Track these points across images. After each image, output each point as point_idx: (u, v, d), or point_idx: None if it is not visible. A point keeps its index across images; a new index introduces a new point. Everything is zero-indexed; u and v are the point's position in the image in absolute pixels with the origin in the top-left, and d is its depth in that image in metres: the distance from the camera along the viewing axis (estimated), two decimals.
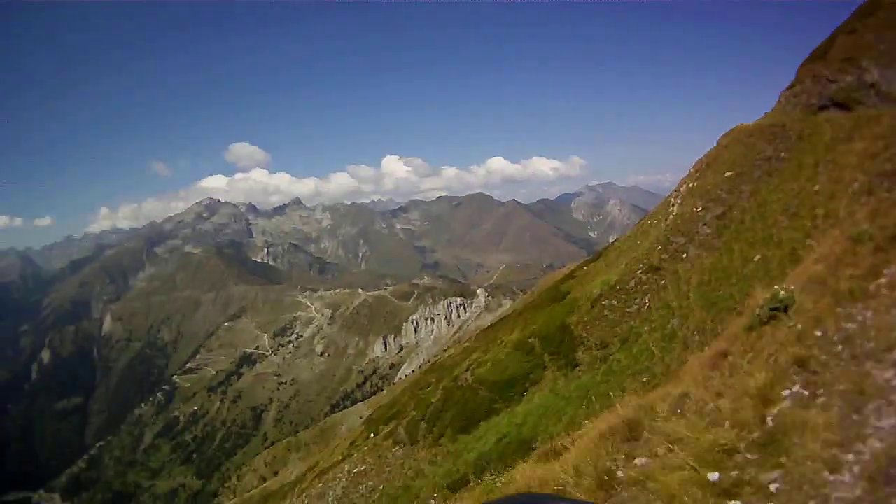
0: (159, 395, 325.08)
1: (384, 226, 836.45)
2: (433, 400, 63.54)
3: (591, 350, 50.94)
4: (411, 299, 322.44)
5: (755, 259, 43.80)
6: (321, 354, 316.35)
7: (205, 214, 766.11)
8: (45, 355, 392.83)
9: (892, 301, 9.30)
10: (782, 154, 53.77)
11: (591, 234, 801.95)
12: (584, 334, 53.36)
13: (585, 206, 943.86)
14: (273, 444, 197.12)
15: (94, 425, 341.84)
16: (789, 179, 49.27)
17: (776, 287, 11.30)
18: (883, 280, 10.20)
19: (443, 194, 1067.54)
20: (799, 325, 9.71)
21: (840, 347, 8.61)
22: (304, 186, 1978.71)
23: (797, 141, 53.66)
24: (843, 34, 62.81)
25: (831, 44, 63.12)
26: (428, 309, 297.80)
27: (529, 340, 58.78)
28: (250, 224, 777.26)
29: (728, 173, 56.46)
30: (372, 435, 71.27)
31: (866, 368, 7.78)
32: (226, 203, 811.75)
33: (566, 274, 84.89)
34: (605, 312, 53.74)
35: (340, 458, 73.57)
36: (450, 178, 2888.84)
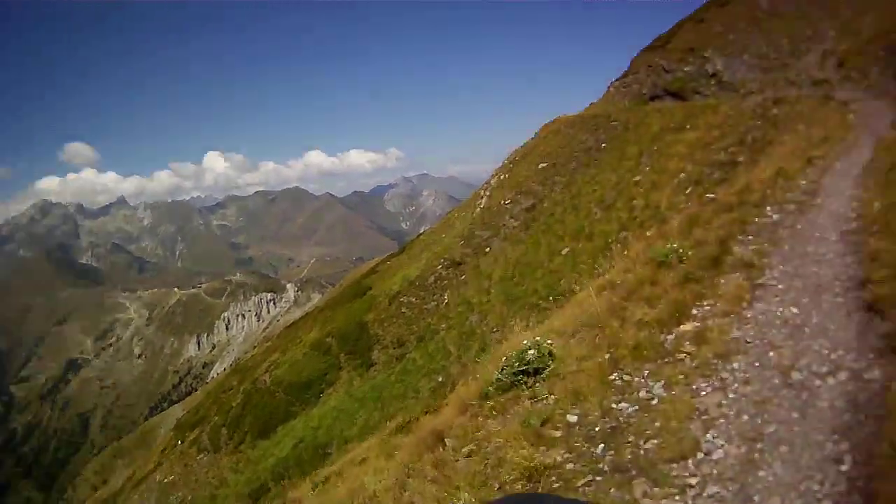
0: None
1: (201, 223, 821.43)
2: (234, 404, 60.92)
3: (387, 349, 49.02)
4: (224, 296, 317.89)
5: (563, 252, 41.52)
6: (139, 356, 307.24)
7: (37, 217, 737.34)
8: None
9: (694, 366, 7.98)
10: (604, 145, 52.16)
11: (404, 226, 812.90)
12: (381, 333, 51.41)
13: (399, 197, 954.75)
14: (100, 451, 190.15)
15: None
16: (608, 170, 47.41)
17: (531, 337, 9.52)
18: (687, 328, 9.04)
19: (260, 189, 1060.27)
20: (549, 400, 8.04)
21: (600, 449, 6.83)
22: (129, 185, 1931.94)
23: (622, 131, 52.08)
24: (689, 23, 62.56)
25: (674, 34, 62.53)
26: (239, 305, 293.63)
27: (327, 340, 56.74)
28: (78, 225, 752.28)
29: (542, 164, 54.82)
30: (179, 442, 66.43)
31: (635, 495, 5.95)
32: (57, 204, 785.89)
33: (370, 269, 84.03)
34: (403, 309, 51.75)
35: (152, 466, 68.42)
36: (268, 173, 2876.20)
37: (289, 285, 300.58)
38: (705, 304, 9.76)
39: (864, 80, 43.59)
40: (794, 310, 9.07)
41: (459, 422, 8.00)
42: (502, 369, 8.54)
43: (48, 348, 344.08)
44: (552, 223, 46.00)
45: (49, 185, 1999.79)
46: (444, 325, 45.41)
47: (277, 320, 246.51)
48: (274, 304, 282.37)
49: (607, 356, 8.22)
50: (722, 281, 10.54)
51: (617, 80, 64.41)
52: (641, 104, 56.33)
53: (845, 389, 6.76)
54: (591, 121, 56.93)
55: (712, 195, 20.45)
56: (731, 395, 7.08)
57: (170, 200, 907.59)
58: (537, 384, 8.09)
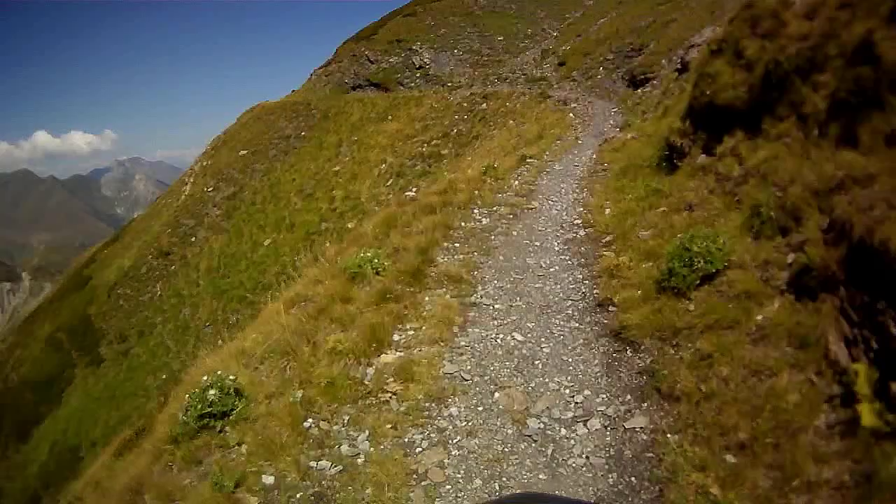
0: None
1: None
2: None
3: (112, 344, 48.54)
4: None
5: (266, 243, 42.54)
6: None
7: None
8: None
9: (403, 411, 6.78)
10: (303, 133, 52.53)
11: (118, 211, 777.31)
12: (105, 326, 50.81)
13: (114, 181, 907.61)
14: None
15: None
16: (307, 159, 48.14)
17: (215, 366, 8.28)
18: (389, 358, 7.74)
19: None
20: (242, 452, 6.53)
21: None
22: None
23: (322, 120, 52.34)
24: (399, 16, 62.64)
25: (382, 24, 62.43)
26: None
27: (58, 335, 55.28)
28: None
29: (243, 152, 54.79)
30: None
31: None
32: None
33: (89, 258, 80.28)
34: (122, 302, 51.37)
35: None
36: (0, 155, 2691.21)
37: (24, 274, 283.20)
38: (409, 327, 8.43)
39: (587, 81, 44.04)
40: (519, 337, 7.93)
41: (156, 478, 6.14)
42: (186, 410, 6.97)
43: None
44: (253, 212, 47.00)
45: None
46: (160, 319, 45.58)
47: (18, 311, 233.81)
48: (13, 294, 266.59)
49: (300, 394, 6.94)
50: (426, 299, 9.24)
51: (320, 67, 64.38)
52: (343, 93, 56.79)
53: (603, 442, 5.82)
54: (291, 108, 57.59)
55: (412, 193, 18.71)
56: (454, 452, 5.99)
57: None
58: (227, 427, 6.75)
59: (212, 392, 6.85)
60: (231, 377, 7.17)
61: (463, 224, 13.24)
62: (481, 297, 9.43)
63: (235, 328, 24.68)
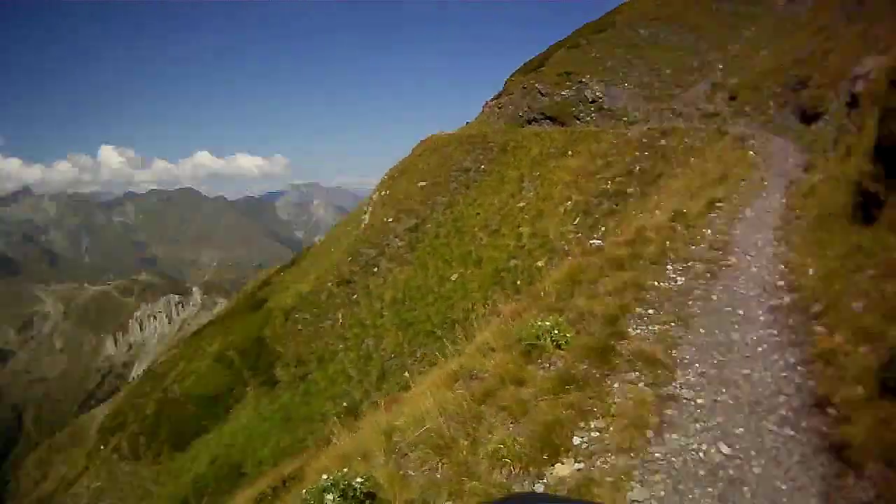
0: None
1: (103, 218, 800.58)
2: (148, 412, 59.84)
3: (289, 367, 48.71)
4: (133, 296, 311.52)
5: (453, 278, 41.51)
6: (61, 351, 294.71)
7: None
8: None
9: None
10: (482, 167, 51.56)
11: (298, 234, 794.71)
12: (281, 349, 51.05)
13: (290, 205, 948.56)
14: (37, 445, 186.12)
15: None
16: (489, 193, 47.04)
17: (351, 450, 7.92)
18: (566, 471, 5.99)
19: (154, 187, 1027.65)
20: None
21: None
22: (32, 173, 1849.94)
23: (500, 153, 51.43)
24: (564, 48, 61.12)
25: (548, 56, 61.08)
26: (150, 306, 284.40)
27: (228, 353, 56.31)
28: None
29: (422, 183, 53.85)
30: (102, 447, 65.46)
31: None
32: None
33: (263, 280, 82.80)
34: (300, 326, 51.37)
35: (80, 470, 68.12)
36: (160, 171, 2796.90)
37: (195, 289, 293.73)
38: (592, 426, 6.54)
39: (759, 115, 41.92)
40: (725, 449, 5.95)
41: None
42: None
43: None
44: (438, 246, 45.81)
45: None
46: (341, 346, 45.23)
47: (188, 324, 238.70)
48: (182, 306, 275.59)
49: None
50: (615, 387, 7.25)
51: (492, 99, 63.36)
52: (518, 126, 55.87)
53: None
54: (467, 141, 56.72)
55: (598, 240, 16.98)
56: None
57: (70, 192, 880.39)
58: None
59: (329, 497, 5.85)
60: (360, 479, 6.07)
61: (656, 283, 11.24)
62: (681, 386, 7.30)
63: (421, 363, 23.91)
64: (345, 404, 37.40)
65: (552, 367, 8.05)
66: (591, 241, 16.84)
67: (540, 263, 33.36)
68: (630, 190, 36.19)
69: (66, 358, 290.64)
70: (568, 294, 11.10)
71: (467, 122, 65.83)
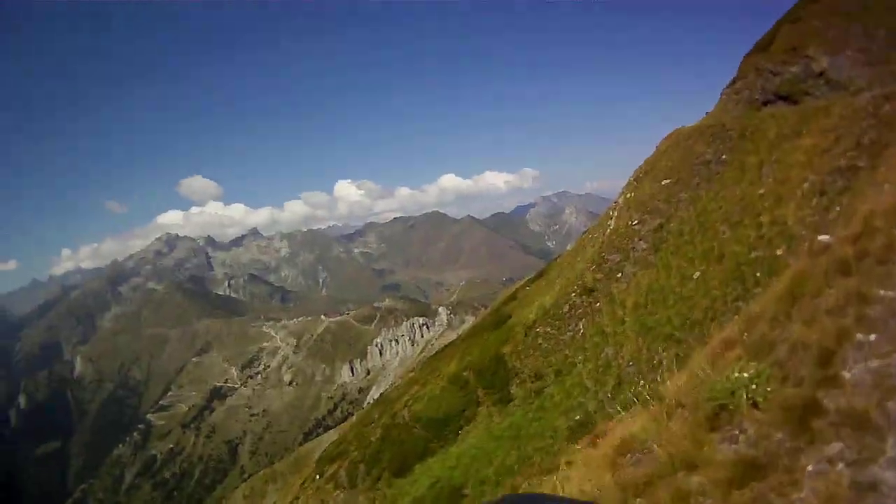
0: (135, 434, 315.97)
1: (342, 251, 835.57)
2: (373, 439, 59.35)
3: (525, 383, 47.20)
4: (374, 323, 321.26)
5: (694, 277, 39.79)
6: (290, 383, 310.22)
7: (164, 250, 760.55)
8: (22, 401, 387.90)
9: None
10: (723, 156, 50.00)
11: (549, 244, 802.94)
12: (519, 365, 49.50)
13: (541, 216, 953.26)
14: (251, 476, 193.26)
15: (74, 468, 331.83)
16: (731, 184, 45.27)
17: None
18: None
19: (397, 215, 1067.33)
20: None
21: None
22: (259, 216, 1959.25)
23: (739, 140, 49.88)
24: (786, 23, 59.62)
25: (774, 34, 59.77)
26: (391, 331, 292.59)
27: (464, 374, 54.93)
28: (210, 257, 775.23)
29: (665, 181, 52.57)
30: (317, 476, 66.07)
31: None
32: (184, 238, 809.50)
33: (510, 294, 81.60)
34: (540, 341, 49.93)
35: (290, 500, 69.55)
36: (403, 199, 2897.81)
37: (440, 309, 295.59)
38: None
39: None
40: None
41: None
42: None
43: (188, 378, 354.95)
44: (681, 244, 44.42)
45: (172, 220, 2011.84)
46: (580, 358, 44.00)
47: (432, 344, 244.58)
48: (427, 328, 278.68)
49: None
50: (809, 469, 5.10)
51: (728, 86, 62.27)
52: (754, 111, 54.50)
53: None
54: (707, 131, 55.16)
55: (826, 237, 12.29)
56: None
57: (304, 230, 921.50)
58: None
59: None
60: None
61: (882, 293, 7.44)
62: (886, 467, 4.68)
63: (659, 370, 21.57)
64: (577, 417, 36.74)
65: (740, 439, 6.09)
66: (820, 237, 11.86)
67: (779, 252, 33.75)
68: (861, 164, 35.22)
69: (294, 389, 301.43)
70: (784, 315, 8.16)
71: (707, 113, 64.52)
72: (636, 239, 49.29)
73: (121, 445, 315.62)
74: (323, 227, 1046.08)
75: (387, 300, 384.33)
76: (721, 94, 62.93)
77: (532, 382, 46.49)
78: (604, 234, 56.75)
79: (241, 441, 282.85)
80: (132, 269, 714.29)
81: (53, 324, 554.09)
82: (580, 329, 47.10)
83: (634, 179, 59.25)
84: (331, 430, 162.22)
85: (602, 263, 50.59)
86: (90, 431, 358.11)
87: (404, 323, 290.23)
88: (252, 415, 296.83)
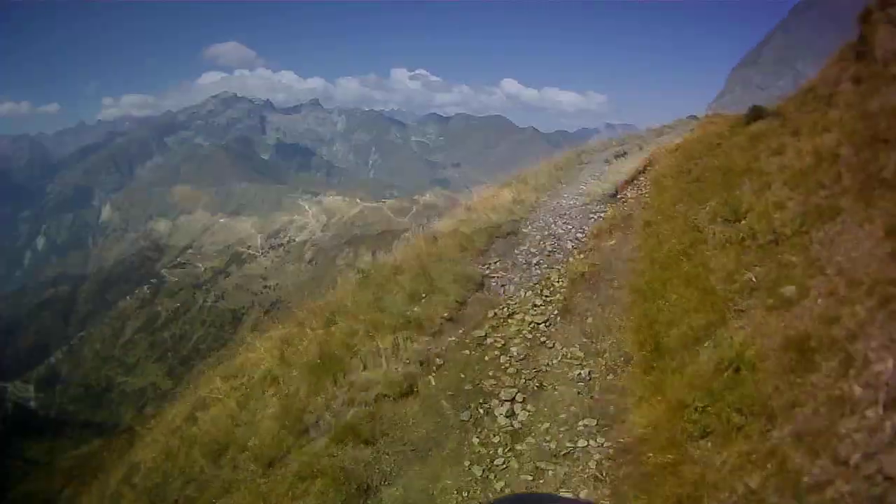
0: (146, 288, 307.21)
1: (398, 135, 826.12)
2: None
3: None
4: (409, 215, 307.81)
5: None
6: (310, 262, 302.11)
7: (219, 108, 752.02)
8: (40, 242, 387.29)
9: None
10: None
11: None
12: None
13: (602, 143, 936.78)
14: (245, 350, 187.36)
15: (79, 315, 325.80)
16: None
17: None
18: None
19: (460, 111, 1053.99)
20: None
21: None
22: (312, 87, 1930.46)
23: None
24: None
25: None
26: (423, 227, 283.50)
27: None
28: (265, 121, 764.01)
29: None
30: None
31: None
32: (242, 98, 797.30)
33: None
34: None
35: None
36: (465, 95, 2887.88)
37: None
38: None
39: None
40: None
41: None
42: None
43: (212, 238, 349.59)
44: None
45: (213, 80, 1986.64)
46: None
47: None
48: None
49: None
50: None
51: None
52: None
53: None
54: None
55: None
56: None
57: (366, 109, 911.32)
58: None
59: None
60: None
61: None
62: None
63: None
64: None
65: None
66: None
67: None
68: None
69: (313, 268, 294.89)
70: None
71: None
72: None
73: (129, 298, 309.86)
74: (383, 109, 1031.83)
75: (427, 194, 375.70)
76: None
77: None
78: None
79: (247, 312, 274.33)
80: (183, 122, 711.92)
81: (91, 168, 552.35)
82: None
83: None
84: None
85: None
86: (103, 281, 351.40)
87: (437, 222, 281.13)
88: (265, 286, 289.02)
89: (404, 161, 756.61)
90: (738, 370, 7.79)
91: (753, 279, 9.59)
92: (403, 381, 10.41)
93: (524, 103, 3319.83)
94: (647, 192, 20.40)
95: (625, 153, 30.42)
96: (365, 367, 10.64)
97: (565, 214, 19.71)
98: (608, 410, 9.59)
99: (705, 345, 8.93)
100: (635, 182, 22.67)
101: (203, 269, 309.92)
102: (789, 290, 8.36)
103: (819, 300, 7.86)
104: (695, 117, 47.34)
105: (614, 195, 21.16)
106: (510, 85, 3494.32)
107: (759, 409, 6.79)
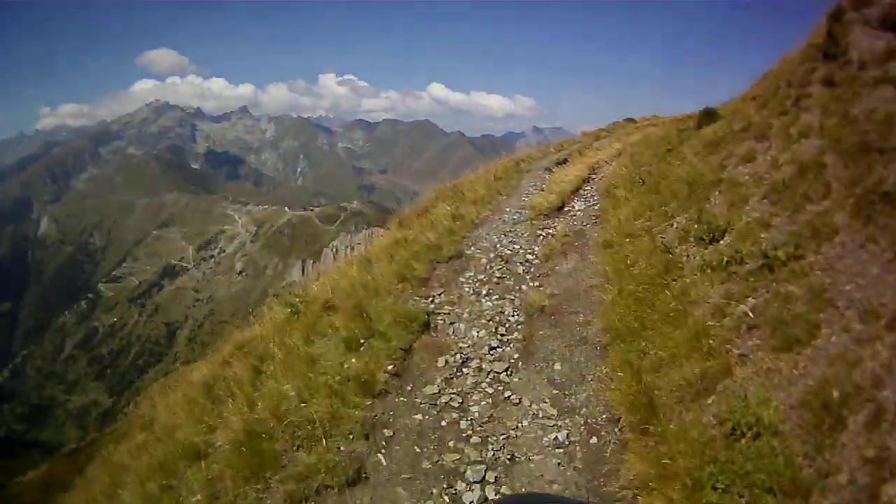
0: (83, 303, 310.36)
1: (326, 142, 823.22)
2: None
3: None
4: (336, 223, 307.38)
5: None
6: (240, 273, 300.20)
7: (152, 116, 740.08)
8: None
9: None
10: None
11: None
12: None
13: (529, 148, 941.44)
14: (182, 365, 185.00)
15: (21, 331, 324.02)
16: None
17: None
18: None
19: (388, 116, 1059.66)
20: None
21: None
22: (242, 94, 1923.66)
23: None
24: None
25: None
26: (350, 237, 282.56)
27: None
28: (195, 129, 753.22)
29: None
30: None
31: None
32: (174, 106, 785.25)
33: None
34: None
35: None
36: (393, 100, 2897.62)
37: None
38: None
39: None
40: None
41: None
42: None
43: (146, 250, 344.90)
44: None
45: (145, 88, 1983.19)
46: None
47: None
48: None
49: None
50: None
51: None
52: None
53: None
54: None
55: None
56: None
57: (294, 116, 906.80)
58: None
59: None
60: None
61: None
62: None
63: None
64: None
65: None
66: None
67: None
68: None
69: (243, 280, 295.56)
70: None
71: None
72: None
73: (67, 313, 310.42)
74: (311, 115, 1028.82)
75: (355, 202, 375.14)
76: None
77: None
78: None
79: (182, 326, 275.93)
80: (117, 132, 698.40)
81: (30, 179, 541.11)
82: None
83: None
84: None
85: None
86: (43, 295, 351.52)
87: (364, 231, 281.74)
88: (197, 299, 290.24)
89: (332, 168, 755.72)
90: (757, 436, 6.33)
91: (749, 314, 8.07)
92: (349, 463, 8.39)
93: (452, 107, 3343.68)
94: (599, 204, 19.22)
95: (565, 160, 29.57)
96: (299, 447, 8.76)
97: (511, 232, 18.29)
98: (599, 489, 7.77)
99: (708, 401, 7.40)
100: (581, 192, 21.72)
101: (138, 282, 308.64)
102: (797, 327, 7.07)
103: (833, 338, 6.71)
104: (632, 120, 48.26)
105: (561, 208, 19.92)
106: (438, 89, 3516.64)
107: (790, 484, 5.54)
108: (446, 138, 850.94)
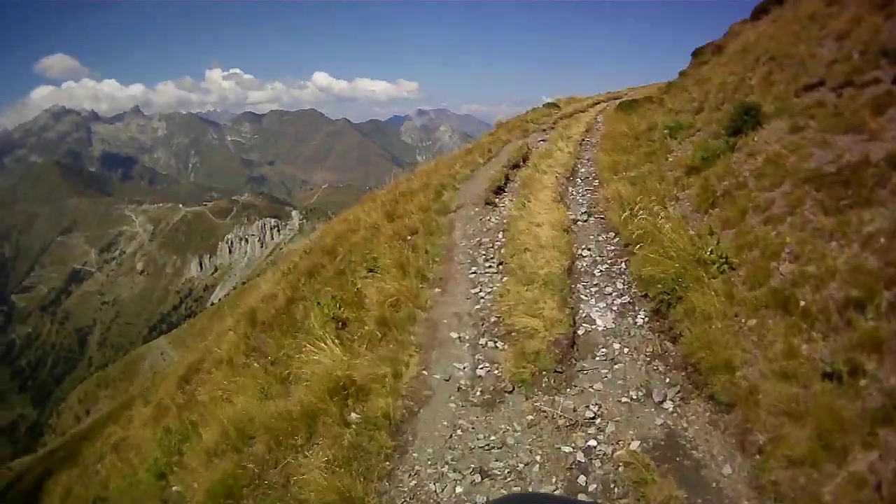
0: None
1: (215, 137, 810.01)
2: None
3: None
4: (229, 217, 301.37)
5: None
6: (141, 273, 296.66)
7: (51, 122, 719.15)
8: None
9: None
10: None
11: (419, 158, 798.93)
12: None
13: (415, 129, 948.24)
14: (96, 370, 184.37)
15: None
16: None
17: None
18: None
19: (275, 108, 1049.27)
20: None
21: None
22: (133, 94, 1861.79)
23: None
24: None
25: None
26: (243, 229, 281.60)
27: None
28: (91, 132, 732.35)
29: None
30: None
31: None
32: (70, 110, 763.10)
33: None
34: None
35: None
36: (278, 91, 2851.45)
37: (294, 213, 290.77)
38: None
39: None
40: None
41: None
42: None
43: (52, 258, 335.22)
44: None
45: (43, 94, 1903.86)
46: None
47: (280, 248, 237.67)
48: (278, 230, 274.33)
49: None
50: None
51: None
52: None
53: None
54: None
55: None
56: None
57: (184, 112, 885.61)
58: None
59: None
60: None
61: None
62: None
63: None
64: None
65: None
66: None
67: None
68: None
69: (145, 280, 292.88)
70: None
71: None
72: None
73: None
74: (201, 111, 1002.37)
75: (246, 195, 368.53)
76: None
77: None
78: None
79: (91, 330, 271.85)
80: (18, 140, 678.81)
81: None
82: None
83: None
84: (162, 338, 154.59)
85: None
86: None
87: (256, 223, 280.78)
88: (103, 303, 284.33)
89: (222, 162, 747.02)
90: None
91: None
92: None
93: (336, 95, 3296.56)
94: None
95: (517, 165, 23.04)
96: None
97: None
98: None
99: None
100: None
101: (47, 290, 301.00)
102: None
103: None
104: (555, 105, 46.83)
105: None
106: (321, 78, 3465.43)
107: None
108: (332, 125, 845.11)
